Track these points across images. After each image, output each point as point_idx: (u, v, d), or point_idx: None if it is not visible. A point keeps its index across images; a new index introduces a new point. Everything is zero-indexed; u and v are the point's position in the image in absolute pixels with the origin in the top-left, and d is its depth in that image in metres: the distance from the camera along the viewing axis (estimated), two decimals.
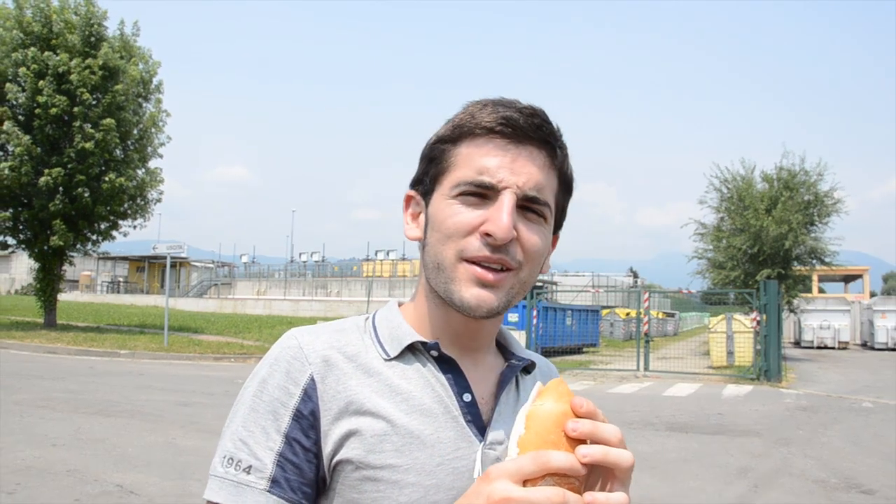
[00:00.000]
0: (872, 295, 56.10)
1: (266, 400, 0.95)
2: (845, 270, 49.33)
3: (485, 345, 1.07)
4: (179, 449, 8.04)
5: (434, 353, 1.01)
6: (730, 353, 20.06)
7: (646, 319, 19.62)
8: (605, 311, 34.65)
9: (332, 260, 62.24)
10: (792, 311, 27.80)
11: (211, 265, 66.93)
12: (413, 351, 1.02)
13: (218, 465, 0.93)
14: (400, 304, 1.10)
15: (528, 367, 1.11)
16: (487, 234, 0.93)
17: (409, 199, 1.05)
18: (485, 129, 0.95)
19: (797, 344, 35.29)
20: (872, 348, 33.72)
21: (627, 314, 34.60)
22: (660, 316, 40.12)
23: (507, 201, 0.93)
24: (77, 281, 61.72)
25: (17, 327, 23.21)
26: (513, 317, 24.19)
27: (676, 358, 23.68)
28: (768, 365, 17.40)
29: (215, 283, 60.07)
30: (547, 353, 22.02)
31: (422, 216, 1.02)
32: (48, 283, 24.31)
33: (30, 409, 9.90)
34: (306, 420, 0.94)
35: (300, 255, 62.26)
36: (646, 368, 18.39)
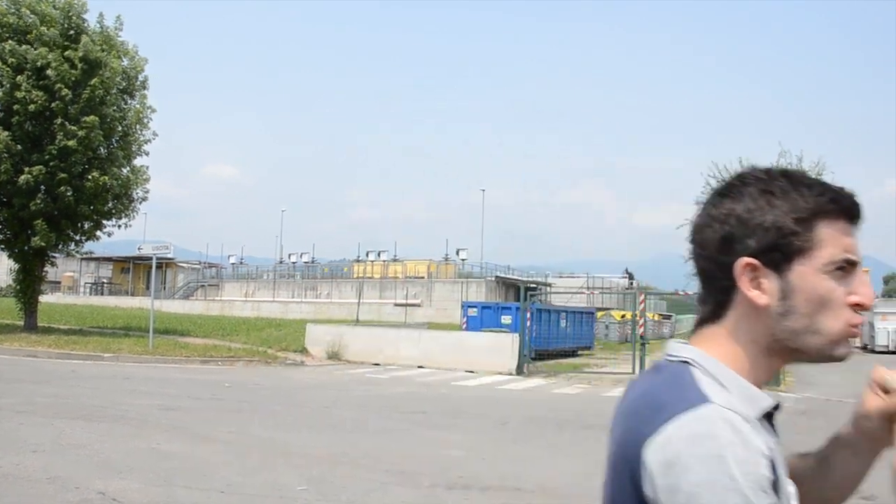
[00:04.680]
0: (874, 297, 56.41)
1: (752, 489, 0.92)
2: None
3: None
4: (163, 454, 8.00)
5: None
6: None
7: (641, 321, 19.65)
8: (600, 314, 34.70)
9: (322, 261, 62.12)
10: None
11: (198, 266, 66.66)
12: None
13: None
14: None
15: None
16: (858, 305, 1.06)
17: (749, 266, 1.06)
18: (843, 211, 1.07)
19: None
20: (873, 351, 33.78)
21: (623, 316, 34.70)
22: (656, 318, 40.16)
23: (866, 277, 1.10)
24: (59, 282, 61.43)
25: None
26: (506, 318, 24.20)
27: None
28: None
29: (202, 285, 59.85)
30: (541, 355, 22.04)
31: (765, 283, 1.06)
32: (28, 284, 24.19)
33: (9, 414, 9.84)
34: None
35: (289, 255, 62.11)
36: (641, 371, 18.39)
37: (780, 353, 1.08)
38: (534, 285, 40.01)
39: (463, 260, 53.33)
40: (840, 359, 1.08)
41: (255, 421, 10.66)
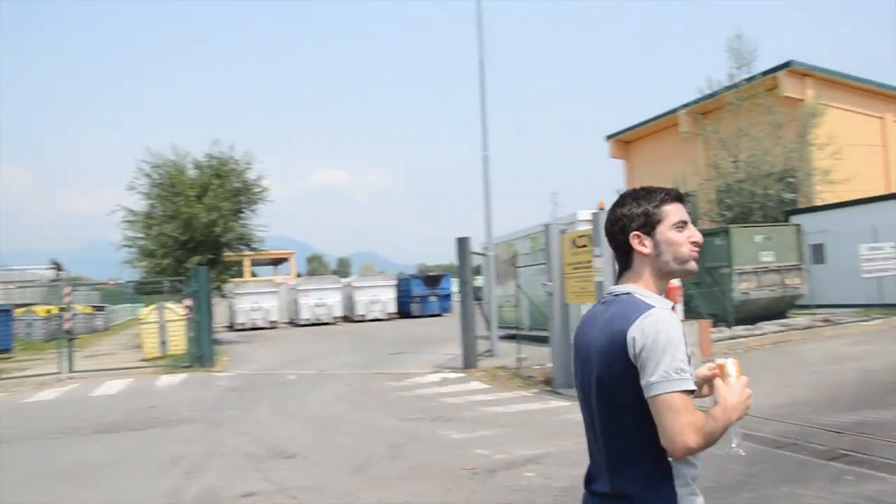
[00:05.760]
0: (299, 276, 62.46)
1: (681, 338, 1.96)
2: (274, 254, 53.94)
3: None
4: None
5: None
6: (163, 343, 20.11)
7: (69, 315, 18.44)
8: (19, 311, 31.39)
9: None
10: (224, 295, 29.25)
11: None
12: None
13: (673, 373, 1.90)
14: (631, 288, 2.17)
15: None
16: (695, 243, 2.14)
17: (636, 236, 2.14)
18: (674, 198, 2.17)
19: (231, 327, 37.13)
20: (298, 325, 37.41)
21: (48, 311, 31.95)
22: (87, 311, 38.10)
23: (694, 227, 2.17)
24: None
25: None
26: None
27: (107, 354, 22.87)
28: (202, 351, 18.03)
29: None
30: None
31: (647, 241, 2.13)
32: None
33: None
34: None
35: None
36: (71, 370, 17.23)
37: (663, 276, 2.15)
38: None
39: None
40: (693, 271, 2.17)
41: None
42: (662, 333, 1.92)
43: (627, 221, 2.16)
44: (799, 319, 18.81)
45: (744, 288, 17.94)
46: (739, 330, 16.75)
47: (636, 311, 2.00)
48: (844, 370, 11.77)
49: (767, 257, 18.42)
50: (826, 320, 18.01)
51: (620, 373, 1.98)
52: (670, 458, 1.97)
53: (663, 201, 2.15)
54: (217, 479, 7.46)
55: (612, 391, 2.01)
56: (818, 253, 21.99)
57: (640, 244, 2.14)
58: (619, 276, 2.20)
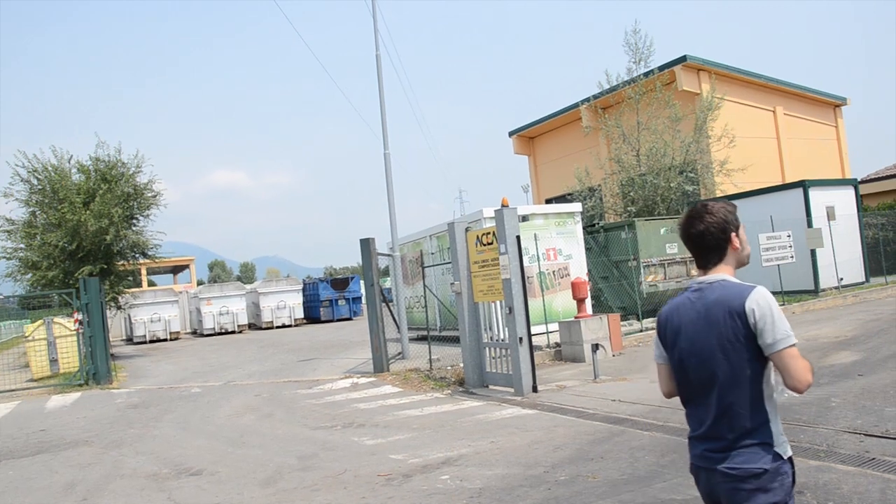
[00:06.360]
0: (200, 283, 60.76)
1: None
2: (172, 262, 52.26)
3: None
4: None
5: None
6: (53, 361, 19.17)
7: None
8: None
9: None
10: (120, 307, 28.11)
11: None
12: None
13: (789, 331, 2.61)
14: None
15: None
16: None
17: (735, 234, 2.83)
18: (736, 209, 2.93)
19: (130, 340, 35.80)
20: (202, 335, 36.36)
21: None
22: None
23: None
24: None
25: None
26: None
27: None
28: (97, 367, 17.30)
29: None
30: None
31: (737, 240, 2.83)
32: None
33: None
34: None
35: None
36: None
37: (738, 268, 2.87)
38: None
39: None
40: (747, 265, 2.94)
41: None
42: (773, 304, 2.65)
43: (727, 225, 2.84)
44: None
45: (651, 280, 18.50)
46: (649, 322, 17.21)
47: (745, 290, 2.69)
48: None
49: (673, 249, 19.06)
50: None
51: (743, 336, 2.65)
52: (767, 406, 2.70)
53: (735, 210, 2.90)
54: (117, 503, 7.16)
55: (737, 351, 2.67)
56: None
57: (737, 241, 2.84)
58: (707, 269, 2.87)
